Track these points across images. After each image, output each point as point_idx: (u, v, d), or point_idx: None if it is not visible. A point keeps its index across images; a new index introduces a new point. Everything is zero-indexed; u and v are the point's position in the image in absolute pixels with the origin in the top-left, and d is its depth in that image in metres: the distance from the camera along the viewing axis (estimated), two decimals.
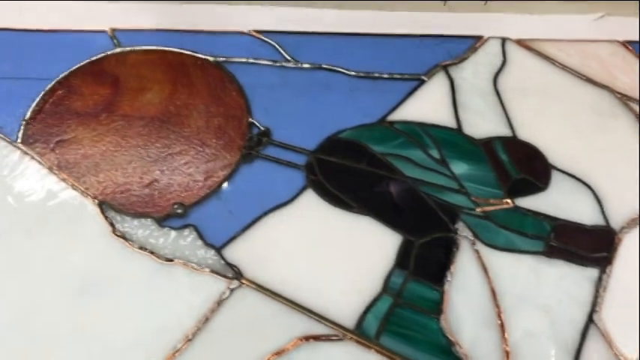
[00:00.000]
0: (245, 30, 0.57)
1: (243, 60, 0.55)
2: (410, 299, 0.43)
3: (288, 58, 0.55)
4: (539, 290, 0.43)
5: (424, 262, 0.44)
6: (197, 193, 0.48)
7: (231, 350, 0.41)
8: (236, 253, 0.45)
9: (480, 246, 0.45)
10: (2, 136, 0.49)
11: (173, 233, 0.46)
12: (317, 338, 0.42)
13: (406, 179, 0.48)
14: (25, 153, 0.49)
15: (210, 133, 0.51)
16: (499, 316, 0.42)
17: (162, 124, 0.51)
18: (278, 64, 0.55)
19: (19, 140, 0.49)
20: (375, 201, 0.47)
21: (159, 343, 0.41)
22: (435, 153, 0.49)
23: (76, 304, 0.42)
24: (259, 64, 0.55)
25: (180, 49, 0.56)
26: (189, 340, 0.41)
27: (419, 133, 0.51)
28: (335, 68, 0.55)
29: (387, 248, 0.45)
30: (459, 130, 0.51)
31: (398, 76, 0.54)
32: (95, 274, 0.43)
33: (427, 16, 0.59)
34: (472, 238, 0.45)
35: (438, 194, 0.47)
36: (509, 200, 0.47)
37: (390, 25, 0.58)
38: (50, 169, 0.48)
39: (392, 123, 0.52)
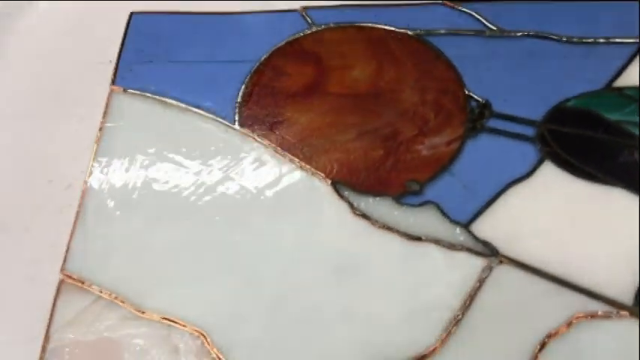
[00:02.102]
0: (439, 0, 0.55)
1: (443, 32, 0.53)
2: None
3: (492, 27, 0.53)
4: None
5: None
6: (427, 169, 0.46)
7: (503, 331, 0.39)
8: (484, 229, 0.43)
9: None
10: (220, 120, 0.49)
11: (415, 211, 0.44)
12: (594, 316, 0.39)
13: None
14: (247, 136, 0.48)
15: (427, 108, 0.49)
16: None
17: (376, 102, 0.49)
18: (482, 34, 0.52)
19: (236, 124, 0.49)
20: (622, 171, 0.44)
21: (428, 323, 0.39)
22: None
23: (334, 284, 0.41)
24: (461, 34, 0.53)
25: (374, 23, 0.54)
26: (459, 320, 0.39)
27: None
28: (544, 35, 0.52)
29: None
30: None
31: (618, 40, 0.51)
32: (347, 255, 0.42)
33: None
34: None
35: None
36: None
37: None
38: (275, 150, 0.47)
39: (620, 89, 0.48)
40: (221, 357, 0.39)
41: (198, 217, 0.44)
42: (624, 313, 0.39)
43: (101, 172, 0.46)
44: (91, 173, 0.46)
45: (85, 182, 0.46)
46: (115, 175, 0.46)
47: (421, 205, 0.44)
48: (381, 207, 0.44)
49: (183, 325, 0.40)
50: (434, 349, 0.39)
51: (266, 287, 0.41)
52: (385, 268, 0.42)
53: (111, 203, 0.45)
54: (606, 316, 0.39)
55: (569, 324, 0.39)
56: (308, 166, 0.46)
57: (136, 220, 0.44)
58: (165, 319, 0.40)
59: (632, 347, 0.38)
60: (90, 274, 0.42)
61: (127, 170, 0.46)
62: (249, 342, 0.39)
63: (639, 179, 0.44)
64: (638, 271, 0.40)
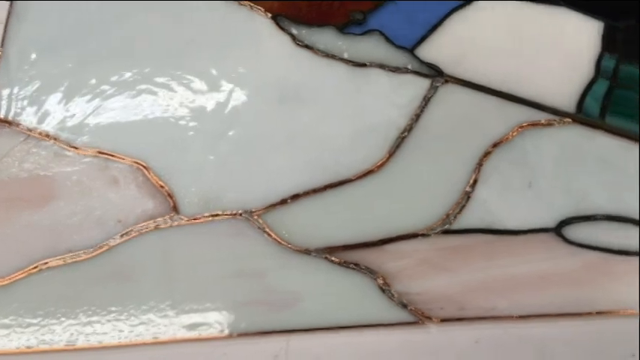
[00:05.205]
0: None
1: None
2: (626, 80, 0.41)
3: None
4: None
5: (632, 46, 0.42)
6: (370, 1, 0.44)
7: (449, 144, 0.39)
8: (428, 53, 0.42)
9: None
10: None
11: (359, 39, 0.43)
12: (537, 125, 0.39)
13: None
14: None
15: None
16: None
17: None
18: None
19: None
20: None
21: (375, 141, 0.39)
22: None
23: (280, 112, 0.40)
24: None
25: None
26: (405, 137, 0.39)
27: None
28: None
29: (589, 35, 0.42)
30: None
31: None
32: (289, 84, 0.41)
33: None
34: None
35: None
36: None
37: None
38: None
39: None
40: (162, 184, 0.37)
41: (134, 55, 0.42)
42: (567, 120, 0.39)
43: (21, 13, 0.43)
44: (9, 15, 0.42)
45: (4, 24, 0.42)
46: (37, 17, 0.43)
47: (365, 33, 0.43)
48: (325, 37, 0.43)
49: (122, 158, 0.38)
50: (381, 165, 0.38)
51: (208, 117, 0.40)
52: (330, 94, 0.41)
53: (35, 45, 0.41)
54: (549, 123, 0.39)
55: (513, 133, 0.39)
56: (246, 2, 0.44)
57: (65, 61, 0.41)
58: (102, 152, 0.38)
59: (573, 151, 0.39)
60: (17, 114, 0.39)
61: (49, 12, 0.43)
62: (192, 168, 0.38)
63: None
64: (579, 82, 0.41)
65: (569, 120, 0.39)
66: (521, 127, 0.39)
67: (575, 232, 0.36)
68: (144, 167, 0.38)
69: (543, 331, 0.34)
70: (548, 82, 0.41)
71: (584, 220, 0.37)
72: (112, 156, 0.38)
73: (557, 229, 0.36)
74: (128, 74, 0.41)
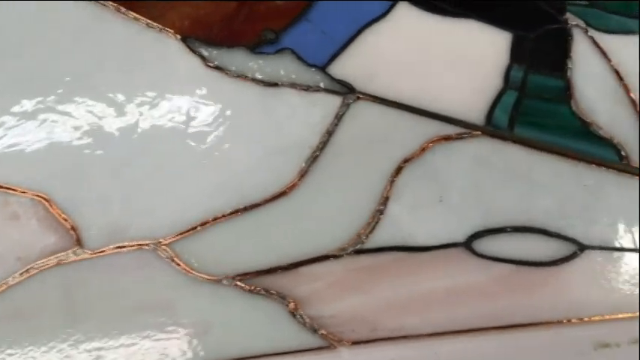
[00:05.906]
0: None
1: None
2: (535, 90, 0.41)
3: None
4: None
5: (541, 55, 0.42)
6: (282, 18, 0.44)
7: (361, 162, 0.39)
8: (341, 70, 0.42)
9: (593, 32, 0.43)
10: None
11: (270, 58, 0.42)
12: (448, 139, 0.39)
13: None
14: None
15: None
16: (628, 94, 0.41)
17: None
18: None
19: None
20: (473, 2, 0.44)
21: (287, 162, 0.39)
22: None
23: (190, 135, 0.39)
24: None
25: None
26: (317, 156, 0.39)
27: None
28: None
29: (498, 46, 0.43)
30: None
31: None
32: (200, 107, 0.40)
33: None
34: (584, 26, 0.43)
35: None
36: None
37: None
38: (117, 9, 0.43)
39: None
40: (65, 217, 0.36)
41: (36, 84, 0.40)
42: (476, 132, 0.40)
43: None
44: None
45: None
46: None
47: (277, 52, 0.42)
48: (236, 58, 0.42)
49: (23, 192, 0.37)
50: (293, 185, 0.38)
51: (115, 144, 0.39)
52: (241, 115, 0.40)
53: None
54: (459, 137, 0.39)
55: (423, 148, 0.39)
56: (155, 24, 0.43)
57: None
58: (1, 187, 0.37)
59: (483, 164, 0.39)
60: None
61: None
62: (97, 199, 0.37)
63: (493, 9, 0.44)
64: (488, 94, 0.41)
65: (479, 132, 0.40)
66: (432, 141, 0.39)
67: (486, 245, 0.37)
68: (45, 200, 0.36)
69: (459, 347, 0.34)
70: (458, 95, 0.41)
71: (494, 233, 0.37)
72: (12, 190, 0.37)
73: (467, 243, 0.36)
74: (30, 103, 0.40)
